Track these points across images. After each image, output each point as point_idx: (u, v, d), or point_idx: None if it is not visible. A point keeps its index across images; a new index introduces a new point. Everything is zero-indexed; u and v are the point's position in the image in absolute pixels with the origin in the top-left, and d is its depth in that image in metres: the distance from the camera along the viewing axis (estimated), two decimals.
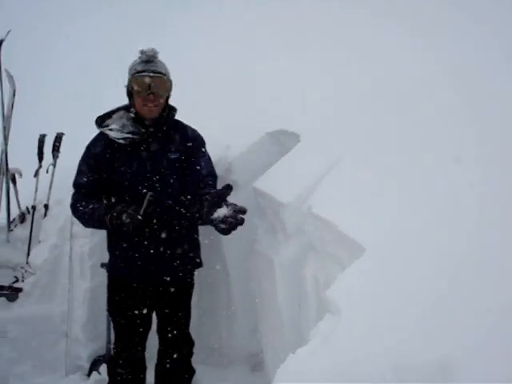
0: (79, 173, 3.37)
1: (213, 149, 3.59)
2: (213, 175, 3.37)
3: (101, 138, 3.36)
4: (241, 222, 2.72)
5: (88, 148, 3.39)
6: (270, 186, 3.45)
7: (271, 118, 4.12)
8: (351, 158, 3.26)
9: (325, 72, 4.44)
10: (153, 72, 3.19)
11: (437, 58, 3.90)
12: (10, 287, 4.10)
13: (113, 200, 3.27)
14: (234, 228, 2.72)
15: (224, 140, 4.02)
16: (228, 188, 2.80)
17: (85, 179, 3.32)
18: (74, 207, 3.35)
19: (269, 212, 3.43)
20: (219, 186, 3.12)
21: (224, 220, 2.71)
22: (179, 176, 3.33)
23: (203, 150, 3.43)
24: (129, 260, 3.34)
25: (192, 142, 3.40)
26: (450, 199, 2.64)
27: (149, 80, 3.17)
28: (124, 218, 3.06)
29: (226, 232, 2.74)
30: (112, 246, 3.46)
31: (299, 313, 3.14)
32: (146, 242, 3.29)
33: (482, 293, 2.13)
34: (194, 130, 3.48)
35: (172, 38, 6.22)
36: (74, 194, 3.37)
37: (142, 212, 3.07)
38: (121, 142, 3.26)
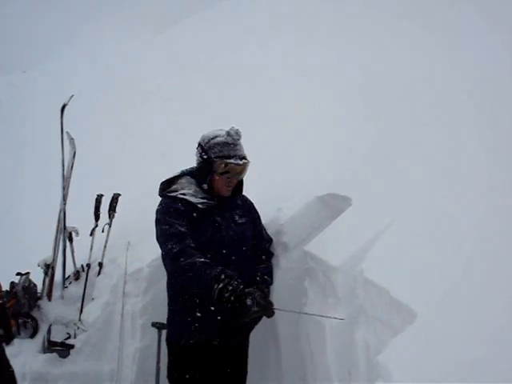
0: (173, 225, 3.22)
1: (264, 211, 3.67)
2: (270, 240, 3.75)
3: (176, 201, 3.32)
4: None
5: (168, 206, 3.32)
6: (321, 249, 3.45)
7: (322, 179, 4.16)
8: (404, 221, 3.25)
9: (372, 128, 4.49)
10: (240, 158, 3.29)
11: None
12: (62, 343, 4.16)
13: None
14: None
15: (275, 202, 4.07)
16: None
17: (185, 230, 3.21)
18: (177, 255, 3.13)
19: (319, 275, 3.42)
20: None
21: None
22: (247, 239, 3.48)
23: (260, 217, 3.68)
24: (201, 323, 3.30)
25: (253, 211, 3.64)
26: (507, 260, 2.60)
27: (240, 168, 3.30)
28: (249, 303, 2.97)
29: None
30: (179, 309, 3.39)
31: (349, 378, 3.08)
32: (221, 311, 3.26)
33: None
34: (248, 199, 3.67)
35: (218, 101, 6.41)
36: (174, 244, 3.15)
37: (278, 309, 3.11)
38: (199, 206, 3.32)
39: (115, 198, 4.78)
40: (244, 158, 3.32)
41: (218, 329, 3.32)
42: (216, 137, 3.33)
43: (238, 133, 3.33)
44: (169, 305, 3.47)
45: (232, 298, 2.95)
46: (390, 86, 4.78)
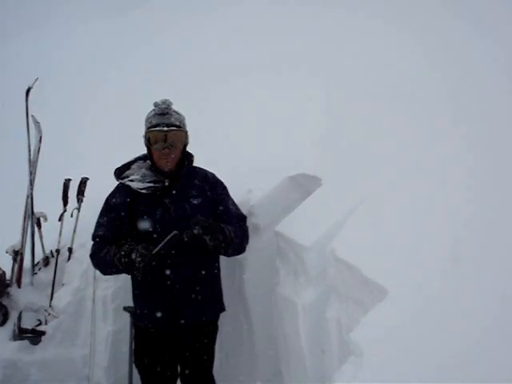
0: (98, 225, 3.41)
1: (235, 192, 3.64)
2: (243, 217, 3.54)
3: (121, 190, 3.42)
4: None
5: (107, 200, 3.45)
6: (292, 229, 3.46)
7: (293, 161, 4.16)
8: (373, 200, 3.28)
9: (343, 113, 4.50)
10: (167, 125, 3.24)
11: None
12: (33, 330, 4.12)
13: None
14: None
15: (246, 184, 4.06)
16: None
17: (104, 232, 3.37)
18: (92, 257, 3.41)
19: (291, 255, 3.44)
20: None
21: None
22: None
23: (227, 193, 3.53)
24: (153, 306, 3.35)
25: (216, 187, 3.49)
26: (478, 239, 2.64)
27: (163, 134, 3.23)
28: (134, 256, 3.09)
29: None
30: (136, 294, 3.48)
31: (322, 356, 3.12)
32: (168, 289, 3.31)
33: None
34: (213, 175, 3.55)
35: (193, 83, 6.36)
36: (92, 246, 3.42)
37: (157, 249, 3.10)
38: (143, 191, 3.31)
39: (83, 182, 4.72)
40: (172, 125, 3.26)
41: (155, 316, 3.34)
42: (149, 112, 3.36)
43: (165, 102, 3.32)
44: None
45: (127, 259, 3.12)
46: (365, 75, 4.79)
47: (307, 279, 3.33)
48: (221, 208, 3.44)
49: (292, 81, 5.61)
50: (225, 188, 3.54)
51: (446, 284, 2.46)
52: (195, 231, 3.11)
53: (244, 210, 3.83)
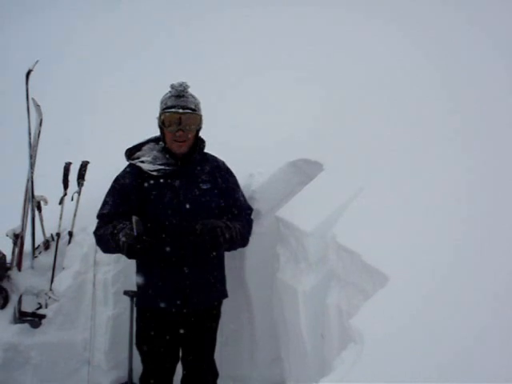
0: (105, 204, 3.40)
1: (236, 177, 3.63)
2: (250, 209, 3.56)
3: (131, 170, 3.40)
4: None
5: (117, 180, 3.43)
6: (293, 215, 3.46)
7: (294, 146, 4.14)
8: (374, 186, 3.26)
9: (345, 99, 4.48)
10: (182, 108, 3.23)
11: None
12: (33, 314, 4.12)
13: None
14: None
15: (247, 169, 4.05)
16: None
17: (109, 210, 3.35)
18: (95, 234, 3.40)
19: (291, 241, 3.43)
20: None
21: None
22: (211, 206, 3.38)
23: (237, 183, 3.56)
24: (158, 289, 3.36)
25: (226, 175, 3.50)
26: (477, 226, 2.63)
27: (178, 116, 3.21)
28: (121, 235, 3.06)
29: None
30: (141, 276, 3.47)
31: (322, 342, 3.12)
32: (174, 272, 3.32)
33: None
34: (223, 163, 3.56)
35: (197, 67, 6.32)
36: (97, 223, 3.42)
37: (135, 232, 3.06)
38: (154, 173, 3.30)
39: (84, 166, 4.68)
40: (187, 108, 3.25)
41: (161, 299, 3.36)
42: (165, 94, 3.34)
43: (182, 84, 3.30)
44: None
45: (115, 237, 3.08)
46: (366, 69, 4.77)
47: (308, 265, 3.32)
48: (230, 199, 3.46)
49: (293, 75, 5.58)
50: (234, 177, 3.57)
51: (447, 271, 2.45)
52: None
53: (245, 195, 3.83)
